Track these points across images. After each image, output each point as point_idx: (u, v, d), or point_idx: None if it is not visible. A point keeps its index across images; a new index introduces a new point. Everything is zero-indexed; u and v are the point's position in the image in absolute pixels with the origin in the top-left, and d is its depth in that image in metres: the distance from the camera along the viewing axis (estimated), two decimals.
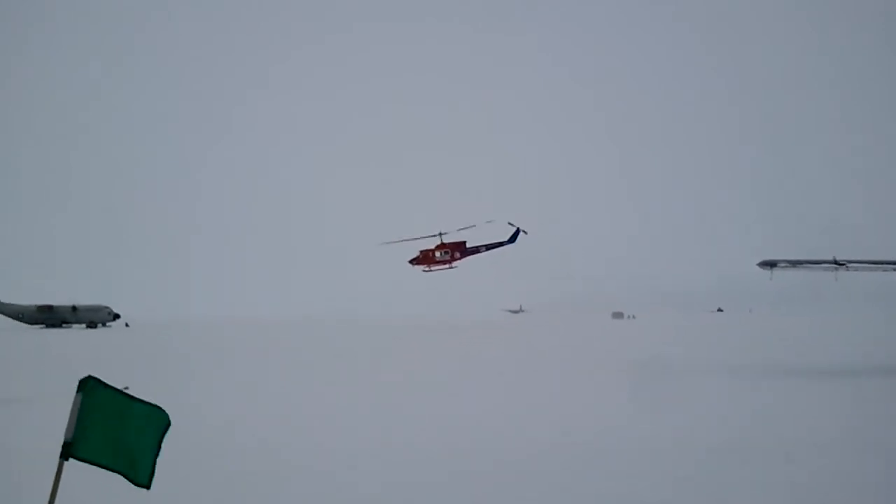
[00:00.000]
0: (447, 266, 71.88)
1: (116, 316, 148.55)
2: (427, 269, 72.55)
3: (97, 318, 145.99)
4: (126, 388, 29.56)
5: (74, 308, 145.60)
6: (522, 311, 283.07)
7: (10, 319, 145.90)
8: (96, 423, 9.03)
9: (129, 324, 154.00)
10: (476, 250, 71.59)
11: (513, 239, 70.29)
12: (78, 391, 9.03)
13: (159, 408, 9.42)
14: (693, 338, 77.10)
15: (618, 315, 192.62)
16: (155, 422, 9.28)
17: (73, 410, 8.99)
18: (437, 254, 71.20)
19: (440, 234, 71.35)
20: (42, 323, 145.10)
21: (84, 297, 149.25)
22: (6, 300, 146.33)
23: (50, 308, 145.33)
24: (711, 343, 66.17)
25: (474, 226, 69.72)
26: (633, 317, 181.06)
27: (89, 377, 9.14)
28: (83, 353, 63.72)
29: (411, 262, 72.62)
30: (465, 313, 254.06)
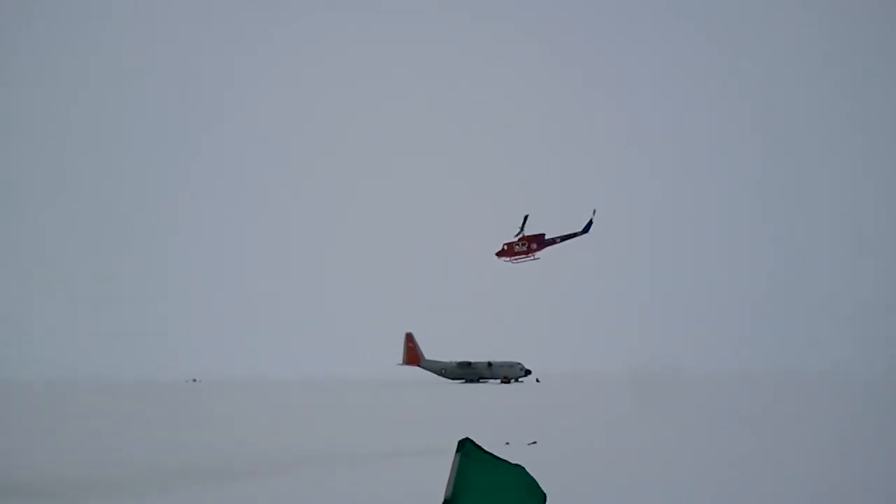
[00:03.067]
0: (528, 257, 75.78)
1: (528, 372, 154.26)
2: (508, 259, 76.99)
3: (510, 373, 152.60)
4: (534, 442, 29.53)
5: (490, 364, 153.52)
6: None
7: (433, 375, 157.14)
8: (472, 483, 9.05)
9: (539, 379, 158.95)
10: (553, 241, 75.23)
11: (586, 229, 73.40)
12: (457, 452, 9.14)
13: (536, 484, 9.32)
14: None
15: None
16: (531, 493, 9.21)
17: (452, 470, 9.10)
18: (517, 246, 75.77)
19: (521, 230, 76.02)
20: (462, 378, 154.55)
21: (497, 354, 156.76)
22: (431, 357, 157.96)
23: (469, 364, 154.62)
24: None
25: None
26: None
27: (466, 439, 9.23)
28: (496, 408, 66.39)
29: (497, 254, 77.05)
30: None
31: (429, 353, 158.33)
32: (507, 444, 33.59)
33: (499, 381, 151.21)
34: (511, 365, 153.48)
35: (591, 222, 72.48)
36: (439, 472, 25.57)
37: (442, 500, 9.12)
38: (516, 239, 75.04)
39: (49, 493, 23.44)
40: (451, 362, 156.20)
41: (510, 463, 9.25)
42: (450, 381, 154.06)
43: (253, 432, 44.68)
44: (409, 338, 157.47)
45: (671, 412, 56.65)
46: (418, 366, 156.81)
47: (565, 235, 74.38)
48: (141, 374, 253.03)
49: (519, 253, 75.06)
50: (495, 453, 9.45)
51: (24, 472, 27.99)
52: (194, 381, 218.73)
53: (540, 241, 74.57)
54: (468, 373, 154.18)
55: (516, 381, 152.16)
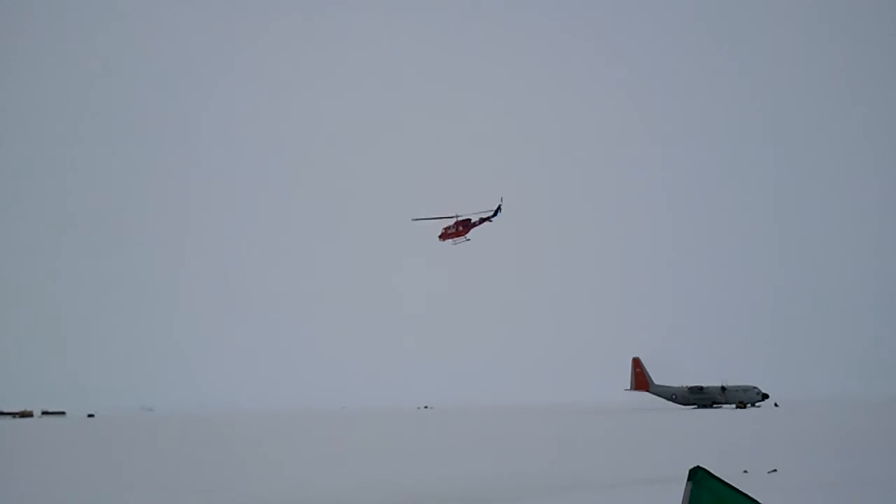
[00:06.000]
0: (462, 238, 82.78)
1: (765, 396, 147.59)
2: (445, 241, 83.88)
3: (746, 398, 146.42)
4: (774, 470, 28.18)
5: (723, 388, 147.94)
6: None
7: (663, 400, 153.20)
8: None
9: (778, 403, 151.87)
10: (475, 224, 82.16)
11: (496, 213, 79.75)
12: (688, 480, 8.74)
13: None
14: None
15: None
16: None
17: (683, 499, 8.70)
18: (450, 229, 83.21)
19: (456, 216, 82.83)
20: (694, 404, 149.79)
21: (733, 377, 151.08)
22: (660, 382, 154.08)
23: (700, 389, 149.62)
24: None
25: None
26: None
27: (698, 467, 8.79)
28: (732, 434, 63.83)
29: (440, 237, 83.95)
30: None
31: (657, 377, 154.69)
32: (746, 472, 32.19)
33: (734, 406, 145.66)
34: (746, 389, 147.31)
35: (499, 208, 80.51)
36: (671, 501, 24.76)
37: None
38: (452, 223, 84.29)
39: None
40: (682, 387, 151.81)
41: (746, 496, 8.68)
42: (681, 406, 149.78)
43: (495, 458, 45.94)
44: (637, 362, 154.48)
45: None
46: (647, 391, 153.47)
47: (481, 219, 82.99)
48: (371, 403, 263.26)
49: (452, 235, 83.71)
50: (731, 482, 8.91)
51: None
52: (426, 407, 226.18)
53: (466, 225, 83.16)
54: (700, 398, 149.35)
55: (753, 405, 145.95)
